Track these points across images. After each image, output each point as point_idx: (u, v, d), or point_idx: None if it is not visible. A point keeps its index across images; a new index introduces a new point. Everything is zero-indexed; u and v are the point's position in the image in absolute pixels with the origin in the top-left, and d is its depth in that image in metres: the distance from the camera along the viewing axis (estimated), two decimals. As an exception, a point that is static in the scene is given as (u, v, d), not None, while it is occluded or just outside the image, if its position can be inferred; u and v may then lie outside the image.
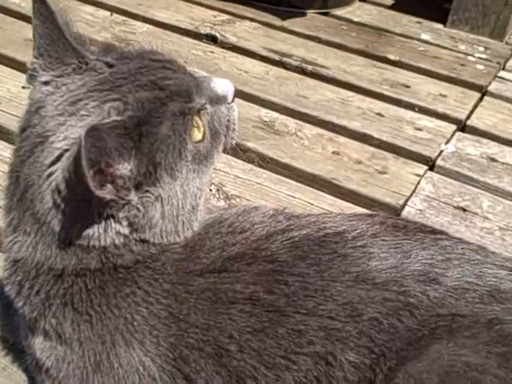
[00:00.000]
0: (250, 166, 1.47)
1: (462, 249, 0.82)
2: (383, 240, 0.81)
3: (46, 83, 0.79)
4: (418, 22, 2.35)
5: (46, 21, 0.80)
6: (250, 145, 1.53)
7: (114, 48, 0.83)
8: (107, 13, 2.17)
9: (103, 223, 0.75)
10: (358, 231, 0.83)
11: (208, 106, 0.82)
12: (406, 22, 2.34)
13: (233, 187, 1.39)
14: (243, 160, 1.48)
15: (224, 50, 2.02)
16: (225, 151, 0.89)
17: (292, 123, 1.65)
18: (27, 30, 1.97)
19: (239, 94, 1.74)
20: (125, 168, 0.72)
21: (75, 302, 0.78)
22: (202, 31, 2.10)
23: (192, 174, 0.80)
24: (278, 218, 0.87)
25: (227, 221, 0.85)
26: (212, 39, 2.08)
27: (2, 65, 1.81)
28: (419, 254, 0.80)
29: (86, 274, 0.78)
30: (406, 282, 0.77)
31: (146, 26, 2.10)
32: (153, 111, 0.75)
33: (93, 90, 0.76)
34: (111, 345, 0.78)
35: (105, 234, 0.75)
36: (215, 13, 2.26)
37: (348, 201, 1.39)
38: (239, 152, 1.46)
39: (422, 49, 2.14)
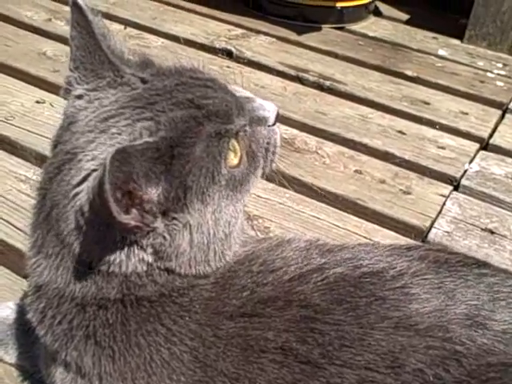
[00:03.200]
0: (272, 185, 1.43)
1: (510, 286, 0.76)
2: (424, 279, 0.75)
3: (79, 97, 0.76)
4: (434, 38, 2.32)
5: (83, 31, 0.76)
6: (270, 163, 1.49)
7: (152, 63, 0.79)
8: (121, 26, 2.14)
9: (126, 249, 0.70)
10: (397, 269, 0.77)
11: (247, 127, 0.78)
12: (422, 38, 2.32)
13: (254, 207, 1.35)
14: (264, 178, 1.45)
15: (240, 65, 1.99)
16: (263, 176, 0.84)
17: (312, 141, 1.61)
18: (40, 43, 1.96)
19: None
20: (152, 193, 0.67)
21: (98, 335, 0.73)
22: (217, 46, 2.08)
23: (225, 201, 0.75)
24: (311, 253, 0.81)
25: (259, 258, 0.79)
26: (227, 54, 2.05)
27: (16, 78, 1.77)
28: (464, 295, 0.74)
29: (106, 305, 0.73)
30: (451, 327, 0.71)
31: (161, 40, 2.07)
32: (187, 131, 0.70)
33: (125, 106, 0.72)
34: (132, 383, 0.73)
35: (127, 260, 0.71)
36: (230, 27, 2.24)
37: (373, 222, 1.35)
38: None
39: (439, 65, 2.11)
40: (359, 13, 2.39)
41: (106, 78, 0.76)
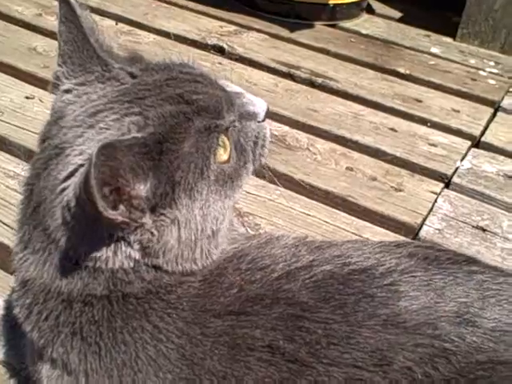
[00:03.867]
0: (262, 181, 1.42)
1: (499, 283, 0.76)
2: (413, 276, 0.75)
3: (67, 91, 0.75)
4: (427, 36, 2.32)
5: (71, 26, 0.76)
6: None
7: (141, 58, 0.79)
8: (112, 22, 2.13)
9: (113, 245, 0.70)
10: (385, 266, 0.76)
11: (237, 123, 0.77)
12: (415, 35, 2.31)
13: (245, 204, 1.34)
14: (255, 175, 1.44)
15: (232, 62, 1.98)
16: (253, 172, 0.83)
17: (304, 137, 1.61)
18: (30, 38, 1.95)
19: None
20: (140, 189, 0.67)
21: (84, 331, 0.72)
22: (209, 42, 2.07)
23: (213, 196, 0.74)
24: (300, 250, 0.80)
25: (247, 256, 0.79)
26: (219, 50, 2.04)
27: (5, 74, 1.76)
28: (453, 292, 0.73)
29: (92, 302, 0.72)
30: (440, 324, 0.70)
31: (153, 36, 2.06)
32: (176, 127, 0.70)
33: (114, 101, 0.71)
34: (118, 380, 0.72)
35: (114, 256, 0.70)
36: (222, 23, 2.23)
37: (364, 219, 1.35)
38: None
39: (432, 62, 2.10)
40: (352, 10, 2.39)
41: (95, 73, 0.75)
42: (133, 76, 0.75)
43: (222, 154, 0.75)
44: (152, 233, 0.70)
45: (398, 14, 2.49)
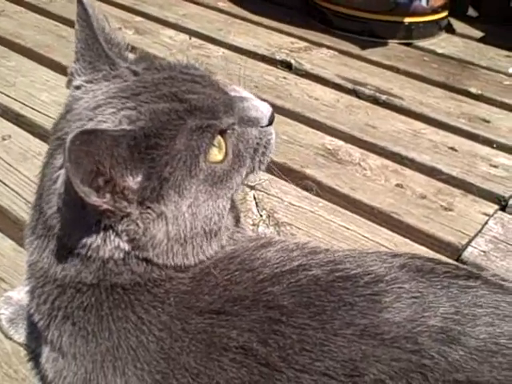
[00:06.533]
0: (306, 193, 1.42)
1: (497, 301, 0.71)
2: (400, 288, 0.72)
3: (77, 88, 0.79)
4: (507, 56, 2.23)
5: (84, 25, 0.80)
6: (308, 172, 1.48)
7: (149, 58, 0.81)
8: (186, 36, 2.21)
9: (101, 233, 0.72)
10: (371, 276, 0.74)
11: (236, 126, 0.78)
12: (494, 55, 2.23)
13: (284, 214, 1.34)
14: (300, 187, 1.44)
15: (297, 77, 1.99)
16: (248, 176, 0.83)
17: (356, 152, 1.58)
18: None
19: (305, 120, 1.71)
20: (128, 180, 0.69)
21: (75, 316, 0.75)
22: (278, 57, 2.09)
23: (204, 196, 0.75)
24: (293, 254, 0.79)
25: (239, 257, 0.79)
26: (287, 66, 2.06)
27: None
28: (442, 307, 0.70)
29: (83, 289, 0.75)
30: (421, 339, 0.67)
31: (222, 51, 2.11)
32: (167, 123, 0.71)
33: (113, 96, 0.74)
34: (101, 366, 0.74)
35: (103, 245, 0.72)
36: (293, 40, 2.25)
37: (405, 236, 1.30)
38: (295, 179, 1.43)
39: (507, 83, 2.02)
40: (429, 29, 2.34)
41: (102, 71, 0.79)
42: (136, 74, 0.77)
43: (217, 155, 0.75)
44: (137, 224, 0.72)
45: (479, 34, 2.41)
